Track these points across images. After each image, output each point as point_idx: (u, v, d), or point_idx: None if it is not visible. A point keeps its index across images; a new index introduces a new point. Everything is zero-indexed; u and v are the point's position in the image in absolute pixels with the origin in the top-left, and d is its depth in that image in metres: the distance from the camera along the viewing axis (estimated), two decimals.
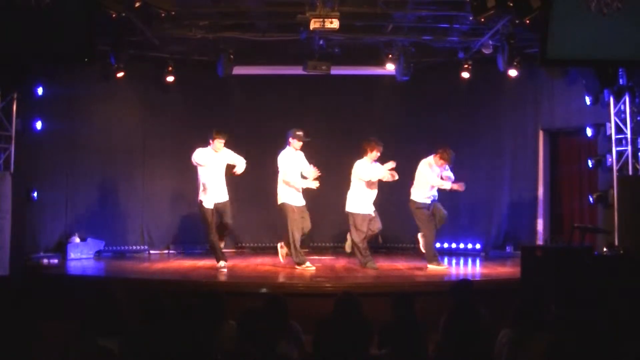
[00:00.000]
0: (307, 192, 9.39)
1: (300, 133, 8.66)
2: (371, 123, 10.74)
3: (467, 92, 10.61)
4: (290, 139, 8.67)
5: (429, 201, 8.86)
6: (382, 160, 9.36)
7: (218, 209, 8.64)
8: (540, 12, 6.53)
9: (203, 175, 8.55)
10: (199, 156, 8.51)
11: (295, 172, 8.68)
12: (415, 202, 8.87)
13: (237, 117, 10.92)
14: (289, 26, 8.83)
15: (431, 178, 8.77)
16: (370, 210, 8.76)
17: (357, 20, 8.82)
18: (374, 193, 8.80)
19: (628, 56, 6.71)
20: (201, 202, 8.55)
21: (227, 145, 8.91)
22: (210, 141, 8.51)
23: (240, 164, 8.70)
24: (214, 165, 8.58)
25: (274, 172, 8.97)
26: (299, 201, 8.71)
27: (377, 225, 8.76)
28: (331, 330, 3.51)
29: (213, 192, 8.58)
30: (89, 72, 9.53)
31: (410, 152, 9.25)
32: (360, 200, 8.75)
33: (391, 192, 9.23)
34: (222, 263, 8.67)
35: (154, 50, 9.90)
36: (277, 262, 9.07)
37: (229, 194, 8.78)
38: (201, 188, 8.56)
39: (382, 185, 9.25)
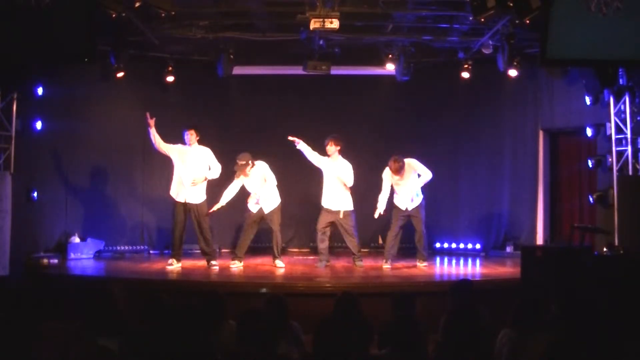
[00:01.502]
0: (307, 192, 9.40)
1: (236, 163, 8.73)
2: (371, 123, 10.75)
3: (467, 92, 10.60)
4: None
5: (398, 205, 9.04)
6: (376, 160, 9.40)
7: (190, 209, 8.75)
8: (540, 12, 6.52)
9: (175, 169, 8.80)
10: (168, 145, 8.79)
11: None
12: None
13: (237, 117, 10.92)
14: (289, 26, 8.82)
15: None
16: (325, 204, 8.95)
17: (357, 20, 8.82)
18: (327, 189, 8.95)
19: (628, 56, 6.70)
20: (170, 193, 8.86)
21: (227, 144, 8.95)
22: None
23: (213, 169, 8.80)
24: (183, 160, 8.76)
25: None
26: (253, 207, 8.90)
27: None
28: (331, 330, 3.51)
29: (179, 188, 8.76)
30: (89, 72, 9.53)
31: (410, 152, 9.22)
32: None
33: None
34: (171, 261, 8.77)
35: (154, 50, 9.89)
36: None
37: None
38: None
39: (380, 185, 9.24)
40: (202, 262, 9.05)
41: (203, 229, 8.78)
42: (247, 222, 8.97)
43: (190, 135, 8.75)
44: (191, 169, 8.74)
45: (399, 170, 8.74)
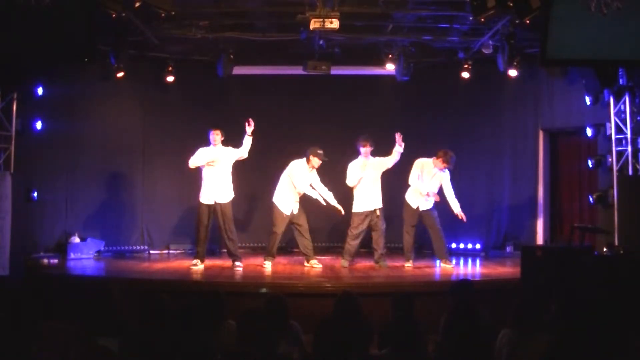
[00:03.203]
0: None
1: (320, 152, 8.82)
2: (371, 123, 10.72)
3: (467, 92, 10.60)
4: (311, 157, 8.81)
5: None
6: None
7: (216, 209, 8.77)
8: (540, 12, 6.52)
9: (203, 172, 8.79)
10: (194, 156, 8.74)
11: (302, 185, 8.86)
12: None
13: (237, 117, 10.84)
14: (289, 26, 8.82)
15: (412, 178, 9.00)
16: (360, 208, 8.96)
17: (357, 20, 8.81)
18: (363, 191, 8.96)
19: (628, 56, 6.71)
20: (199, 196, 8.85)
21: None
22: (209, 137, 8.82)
23: (245, 146, 8.80)
24: (212, 162, 8.75)
25: (274, 171, 9.00)
26: (287, 209, 8.86)
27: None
28: (331, 330, 3.51)
29: (208, 189, 8.76)
30: (89, 72, 9.53)
31: (410, 152, 9.22)
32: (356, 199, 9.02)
33: (391, 192, 9.24)
34: (196, 261, 8.81)
35: (154, 50, 9.88)
36: (277, 262, 9.09)
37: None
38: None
39: (382, 185, 9.26)
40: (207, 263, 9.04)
41: (229, 229, 8.80)
42: (277, 222, 8.94)
43: (216, 135, 8.78)
44: (220, 168, 8.78)
45: (450, 162, 8.82)
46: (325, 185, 9.12)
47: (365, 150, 8.94)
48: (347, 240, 9.00)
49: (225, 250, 9.31)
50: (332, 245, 10.70)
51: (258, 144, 9.58)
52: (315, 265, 8.88)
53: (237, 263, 8.82)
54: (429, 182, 8.96)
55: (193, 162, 8.69)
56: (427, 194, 8.84)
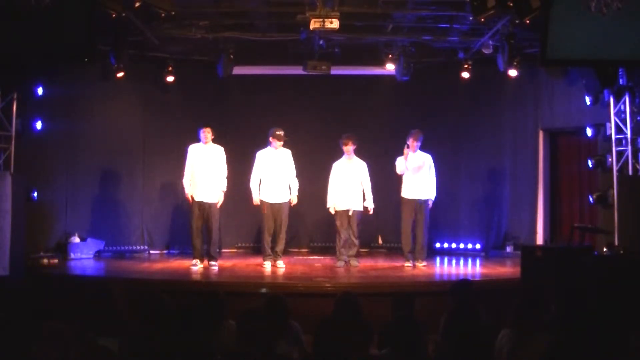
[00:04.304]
0: (306, 192, 9.41)
1: (279, 132, 8.88)
2: (371, 123, 10.74)
3: (467, 92, 10.60)
4: (270, 139, 8.91)
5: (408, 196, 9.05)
6: (376, 160, 9.40)
7: (203, 208, 8.81)
8: (540, 12, 6.52)
9: (194, 170, 8.87)
10: (188, 153, 8.90)
11: (261, 172, 8.91)
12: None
13: (237, 117, 10.92)
14: (289, 26, 8.82)
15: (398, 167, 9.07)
16: (343, 206, 9.05)
17: (357, 20, 8.81)
18: (342, 189, 9.05)
19: (628, 56, 6.70)
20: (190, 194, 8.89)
21: (227, 144, 8.96)
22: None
23: (222, 176, 8.88)
24: (200, 159, 8.83)
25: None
26: (271, 198, 8.89)
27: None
28: (331, 330, 3.51)
29: (197, 187, 8.82)
30: (89, 72, 9.53)
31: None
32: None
33: (390, 192, 9.24)
34: (195, 261, 8.83)
35: (154, 50, 9.88)
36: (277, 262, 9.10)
37: (228, 195, 8.88)
38: None
39: (380, 185, 9.27)
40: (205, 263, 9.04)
41: (211, 229, 8.82)
42: (265, 215, 8.95)
43: (207, 133, 8.84)
44: (207, 166, 8.81)
45: (418, 135, 8.88)
46: (326, 185, 9.13)
47: (347, 148, 9.03)
48: (337, 241, 9.12)
49: (218, 249, 9.34)
50: (332, 245, 10.69)
51: (258, 144, 9.59)
52: (265, 265, 8.86)
53: (213, 263, 8.87)
54: (421, 170, 9.00)
55: (188, 157, 8.87)
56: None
